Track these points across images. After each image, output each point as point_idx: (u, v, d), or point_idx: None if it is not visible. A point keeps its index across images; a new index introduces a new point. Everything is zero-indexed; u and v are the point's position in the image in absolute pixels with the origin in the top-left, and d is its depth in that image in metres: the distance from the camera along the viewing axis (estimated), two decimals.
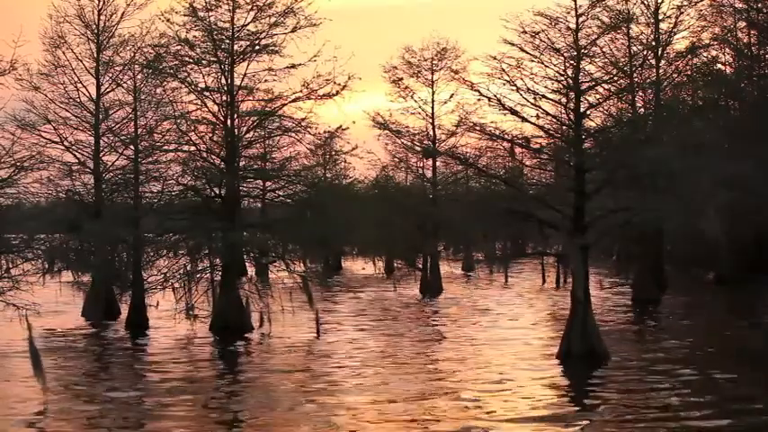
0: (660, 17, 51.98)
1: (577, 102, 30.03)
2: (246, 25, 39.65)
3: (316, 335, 37.18)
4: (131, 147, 42.82)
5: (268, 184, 42.49)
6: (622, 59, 44.91)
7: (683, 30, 53.30)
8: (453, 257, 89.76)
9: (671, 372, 27.45)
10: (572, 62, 29.93)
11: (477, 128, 31.16)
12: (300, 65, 39.30)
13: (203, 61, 39.52)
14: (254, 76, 39.99)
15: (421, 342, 35.68)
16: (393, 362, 30.42)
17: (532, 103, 30.07)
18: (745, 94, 59.16)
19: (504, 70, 29.74)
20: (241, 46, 39.67)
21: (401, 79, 60.80)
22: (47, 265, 40.36)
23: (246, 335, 37.72)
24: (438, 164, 61.30)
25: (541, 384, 26.05)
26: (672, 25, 52.25)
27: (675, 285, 55.19)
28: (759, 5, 58.09)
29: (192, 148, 40.03)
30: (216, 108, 39.94)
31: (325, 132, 41.15)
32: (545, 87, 30.24)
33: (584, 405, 23.65)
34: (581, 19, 29.99)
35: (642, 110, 50.00)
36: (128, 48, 45.38)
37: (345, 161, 65.45)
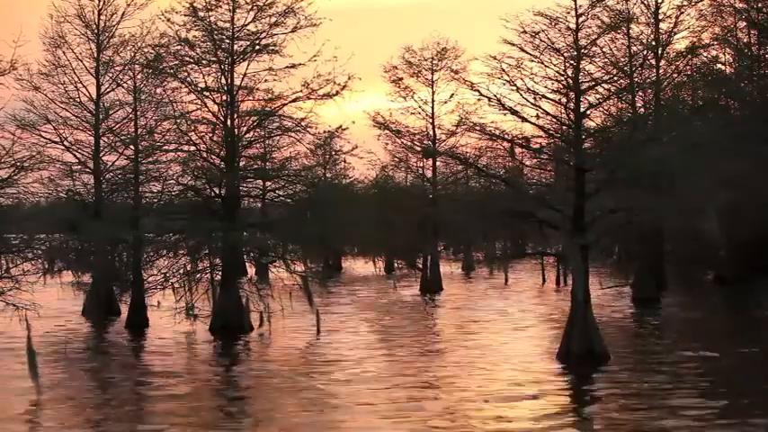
0: (660, 17, 51.98)
1: (577, 102, 30.02)
2: (246, 25, 39.66)
3: (316, 335, 37.18)
4: (131, 147, 42.86)
5: (268, 183, 42.48)
6: (622, 59, 44.89)
7: (683, 30, 53.33)
8: (453, 257, 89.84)
9: (671, 372, 27.45)
10: (572, 62, 29.92)
11: (477, 128, 31.16)
12: (300, 65, 39.33)
13: (203, 61, 39.53)
14: (254, 75, 40.06)
15: (420, 342, 35.68)
16: (393, 362, 30.42)
17: (532, 103, 30.07)
18: (745, 94, 59.15)
19: (504, 70, 29.74)
20: (241, 46, 39.68)
21: (401, 79, 60.94)
22: (47, 265, 40.36)
23: (246, 335, 37.72)
24: (438, 164, 61.39)
25: (541, 385, 26.03)
26: (672, 25, 52.26)
27: (675, 285, 55.19)
28: (759, 5, 58.09)
29: (192, 148, 40.06)
30: (216, 108, 39.97)
31: (325, 132, 41.18)
32: (545, 87, 30.26)
33: (584, 406, 23.65)
34: (581, 19, 29.99)
35: (642, 110, 49.98)
36: (128, 48, 45.51)
37: (345, 161, 65.56)
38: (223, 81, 39.65)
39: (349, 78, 39.10)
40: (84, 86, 45.92)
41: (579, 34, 29.96)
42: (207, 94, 39.74)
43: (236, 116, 39.86)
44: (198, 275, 39.27)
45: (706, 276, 60.31)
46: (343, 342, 35.39)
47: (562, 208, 30.34)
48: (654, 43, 51.45)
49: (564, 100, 30.36)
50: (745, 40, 59.62)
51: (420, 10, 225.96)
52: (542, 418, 21.65)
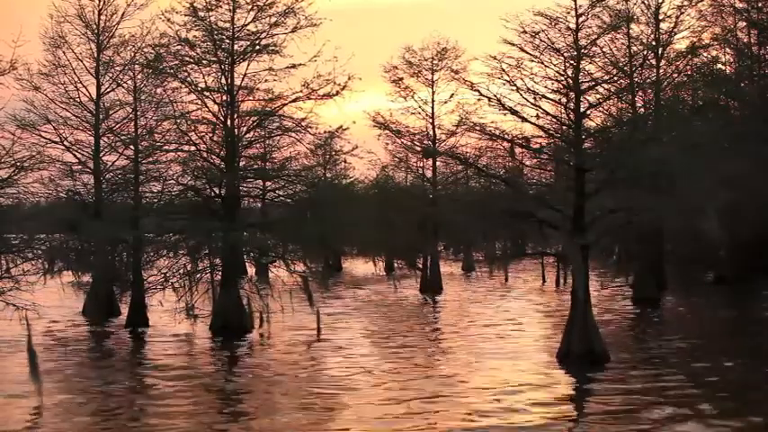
0: (660, 17, 51.92)
1: (577, 102, 30.02)
2: (247, 25, 39.65)
3: (316, 335, 37.18)
4: (131, 147, 42.86)
5: (268, 184, 42.49)
6: (622, 59, 44.89)
7: (684, 30, 53.26)
8: (453, 257, 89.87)
9: (670, 372, 27.45)
10: (572, 62, 29.93)
11: (477, 128, 31.16)
12: (301, 65, 39.32)
13: (203, 61, 39.52)
14: (254, 76, 40.04)
15: (420, 342, 35.69)
16: (393, 362, 30.42)
17: (532, 103, 30.07)
18: (745, 94, 59.17)
19: (504, 70, 29.75)
20: (241, 46, 39.67)
21: (401, 79, 60.98)
22: (47, 265, 40.35)
23: (246, 335, 37.72)
24: (438, 164, 61.42)
25: (541, 385, 26.05)
26: (672, 25, 52.19)
27: (675, 285, 55.20)
28: (759, 5, 58.09)
29: (192, 148, 40.05)
30: (216, 108, 39.95)
31: (325, 132, 41.15)
32: (545, 87, 30.25)
33: (584, 406, 23.66)
34: (581, 19, 29.99)
35: (642, 110, 49.98)
36: (128, 48, 45.50)
37: (345, 161, 65.42)
38: (223, 81, 39.64)
39: (349, 78, 39.12)
40: (84, 86, 45.94)
41: (579, 34, 29.96)
42: (207, 94, 39.73)
43: (236, 116, 39.85)
44: (198, 275, 39.26)
45: (706, 276, 60.32)
46: (344, 342, 35.39)
47: (562, 208, 30.34)
48: (654, 43, 51.42)
49: (564, 100, 30.36)
50: (745, 40, 59.63)
51: (420, 10, 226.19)
52: (542, 418, 21.65)
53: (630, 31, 49.25)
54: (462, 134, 48.71)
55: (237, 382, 27.65)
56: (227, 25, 39.53)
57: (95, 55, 45.97)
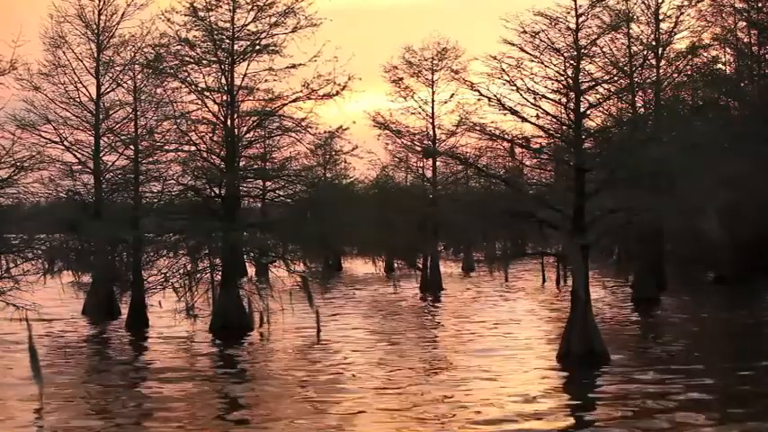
0: (660, 17, 51.96)
1: (577, 102, 30.02)
2: (247, 25, 39.66)
3: (316, 335, 37.17)
4: (131, 147, 42.87)
5: (268, 184, 42.49)
6: (622, 59, 44.91)
7: (684, 30, 53.34)
8: (453, 257, 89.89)
9: (670, 372, 27.43)
10: (572, 62, 29.92)
11: (478, 128, 31.14)
12: (301, 65, 39.33)
13: (203, 61, 39.53)
14: (254, 76, 40.04)
15: (421, 342, 35.68)
16: (393, 362, 30.40)
17: (532, 103, 30.06)
18: (745, 94, 59.21)
19: (504, 70, 29.74)
20: (241, 46, 39.68)
21: (401, 79, 61.03)
22: (47, 265, 40.35)
23: (246, 335, 37.71)
24: (438, 164, 61.45)
25: (541, 385, 26.03)
26: (672, 25, 52.23)
27: (675, 285, 55.21)
28: (759, 5, 58.14)
29: (193, 148, 40.06)
30: (216, 108, 39.96)
31: (325, 132, 41.16)
32: (545, 87, 30.23)
33: (584, 406, 23.64)
34: (581, 19, 29.98)
35: (642, 110, 49.99)
36: (128, 48, 45.53)
37: (345, 161, 65.62)
38: (223, 81, 39.65)
39: (349, 78, 39.12)
40: (84, 86, 45.97)
41: (579, 34, 29.95)
42: (207, 94, 39.74)
43: (236, 116, 39.85)
44: (198, 275, 39.26)
45: (706, 276, 60.33)
46: (344, 343, 35.38)
47: (562, 208, 30.33)
48: (654, 43, 51.45)
49: (564, 100, 30.34)
50: (745, 40, 59.68)
51: (420, 10, 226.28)
52: (542, 419, 21.63)
53: (630, 31, 49.31)
54: (462, 134, 48.71)
55: (238, 384, 27.59)
56: (227, 25, 39.54)
57: (95, 55, 46.00)
